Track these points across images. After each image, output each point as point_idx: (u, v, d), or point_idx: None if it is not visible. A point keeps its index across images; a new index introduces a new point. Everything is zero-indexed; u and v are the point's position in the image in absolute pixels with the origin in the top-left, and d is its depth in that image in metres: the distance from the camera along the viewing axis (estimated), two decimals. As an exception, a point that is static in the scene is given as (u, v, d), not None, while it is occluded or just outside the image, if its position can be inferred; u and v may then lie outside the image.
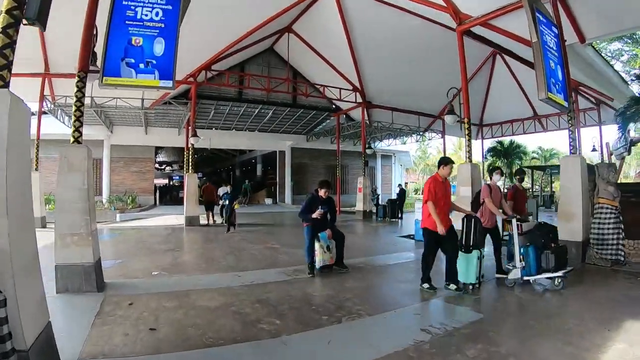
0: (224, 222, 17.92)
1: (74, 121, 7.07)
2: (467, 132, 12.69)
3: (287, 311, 5.73)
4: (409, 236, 14.57)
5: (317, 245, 8.03)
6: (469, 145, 12.75)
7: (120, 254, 10.58)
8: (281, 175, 33.08)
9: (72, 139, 7.02)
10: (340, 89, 22.27)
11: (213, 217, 18.97)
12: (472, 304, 6.14)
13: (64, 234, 6.66)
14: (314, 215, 7.95)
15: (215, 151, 44.56)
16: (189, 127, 19.12)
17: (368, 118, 24.49)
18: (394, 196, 26.82)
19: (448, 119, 14.90)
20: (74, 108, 7.14)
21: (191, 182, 18.18)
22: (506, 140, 35.42)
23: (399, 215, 21.80)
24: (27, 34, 15.42)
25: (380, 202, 24.14)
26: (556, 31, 9.95)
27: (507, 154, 36.18)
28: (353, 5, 18.06)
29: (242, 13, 17.66)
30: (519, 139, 35.96)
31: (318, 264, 8.03)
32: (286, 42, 22.11)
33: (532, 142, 42.38)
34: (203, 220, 18.57)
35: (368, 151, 25.03)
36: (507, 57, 20.98)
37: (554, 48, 9.56)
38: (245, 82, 22.45)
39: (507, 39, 13.55)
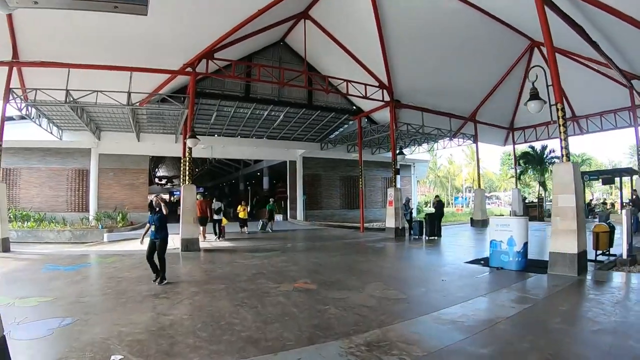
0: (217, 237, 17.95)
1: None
2: (561, 122, 9.72)
3: None
4: (478, 261, 11.15)
5: None
6: (566, 140, 9.72)
7: (77, 303, 6.87)
8: (292, 188, 29.46)
9: None
10: (366, 84, 18.85)
11: (205, 234, 17.58)
12: None
13: None
14: None
15: (217, 164, 41.33)
16: (187, 129, 15.48)
17: (394, 120, 20.84)
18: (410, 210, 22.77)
19: (532, 105, 11.47)
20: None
21: (188, 196, 14.56)
22: (538, 145, 31.89)
23: (439, 233, 18.22)
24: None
25: (413, 217, 20.43)
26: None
27: (541, 160, 32.41)
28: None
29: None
30: (550, 144, 32.46)
31: None
32: (300, 33, 18.82)
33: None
34: (205, 243, 15.15)
35: (398, 158, 21.38)
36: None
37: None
38: (254, 74, 18.59)
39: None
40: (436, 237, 17.95)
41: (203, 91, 19.20)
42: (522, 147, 32.24)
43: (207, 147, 24.78)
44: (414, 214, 22.45)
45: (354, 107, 23.57)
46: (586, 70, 18.07)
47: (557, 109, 9.77)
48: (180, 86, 18.22)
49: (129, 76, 14.16)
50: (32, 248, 15.36)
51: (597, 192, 52.81)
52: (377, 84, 19.38)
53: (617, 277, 8.53)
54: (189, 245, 13.84)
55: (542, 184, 33.19)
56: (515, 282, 8.42)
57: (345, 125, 26.08)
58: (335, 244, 16.46)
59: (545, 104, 11.32)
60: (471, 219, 25.88)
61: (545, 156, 32.46)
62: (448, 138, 25.68)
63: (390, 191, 19.48)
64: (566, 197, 9.27)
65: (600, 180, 31.44)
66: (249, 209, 23.83)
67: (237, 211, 21.49)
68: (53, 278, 9.08)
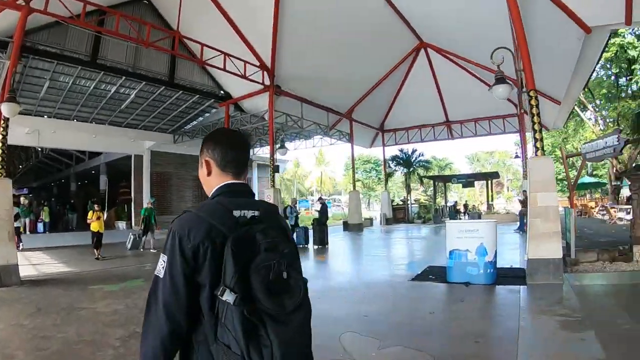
0: None
1: None
2: (535, 111, 8.44)
3: None
4: (426, 277, 9.02)
5: None
6: (540, 131, 8.58)
7: None
8: (137, 189, 24.59)
9: None
10: (246, 62, 15.82)
11: None
12: None
13: None
14: None
15: (45, 159, 33.39)
16: (4, 91, 10.43)
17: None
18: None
19: (500, 90, 9.60)
20: None
21: (0, 197, 9.56)
22: (408, 147, 31.69)
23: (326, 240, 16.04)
24: None
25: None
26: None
27: (408, 163, 32.13)
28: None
29: None
30: (420, 147, 32.71)
31: None
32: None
33: (426, 151, 39.40)
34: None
35: (280, 152, 18.41)
36: (432, 53, 19.58)
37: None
38: (107, 24, 13.64)
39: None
40: (324, 246, 15.55)
41: (35, 46, 13.81)
42: (376, 151, 31.88)
43: (33, 132, 19.06)
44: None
45: (222, 92, 20.03)
46: (466, 76, 19.56)
47: (530, 97, 8.48)
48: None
49: None
50: None
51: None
52: (257, 63, 16.33)
53: (597, 279, 8.37)
54: (3, 276, 8.86)
55: (408, 187, 33.56)
56: (522, 301, 6.74)
57: (207, 114, 22.34)
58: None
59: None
60: (345, 222, 24.26)
61: (414, 160, 32.42)
62: (322, 135, 23.55)
63: (269, 192, 16.58)
64: (547, 196, 8.18)
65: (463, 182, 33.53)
66: (105, 215, 17.72)
67: (89, 220, 13.47)
68: None
